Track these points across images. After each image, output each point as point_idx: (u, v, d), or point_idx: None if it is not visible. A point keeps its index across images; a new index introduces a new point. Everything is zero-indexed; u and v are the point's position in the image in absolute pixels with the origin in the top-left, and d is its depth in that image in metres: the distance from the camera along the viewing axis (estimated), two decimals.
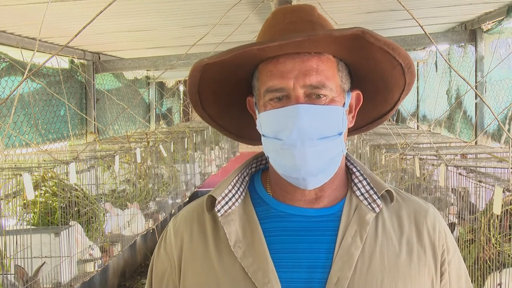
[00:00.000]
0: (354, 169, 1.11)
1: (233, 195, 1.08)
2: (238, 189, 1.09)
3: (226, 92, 1.11)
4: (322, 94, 0.99)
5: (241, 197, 1.09)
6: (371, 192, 1.07)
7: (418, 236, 1.05)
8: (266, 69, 1.02)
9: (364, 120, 1.17)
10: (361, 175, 1.10)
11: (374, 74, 1.07)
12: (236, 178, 1.10)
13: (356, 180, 1.09)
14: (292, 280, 0.99)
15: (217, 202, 1.06)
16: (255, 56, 1.01)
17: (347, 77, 1.06)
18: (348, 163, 1.12)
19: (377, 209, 1.05)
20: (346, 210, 1.05)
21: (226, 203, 1.06)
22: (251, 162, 1.15)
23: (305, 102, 0.98)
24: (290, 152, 0.99)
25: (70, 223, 3.02)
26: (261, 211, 1.07)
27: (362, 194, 1.07)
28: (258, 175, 1.14)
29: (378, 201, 1.06)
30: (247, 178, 1.13)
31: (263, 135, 1.05)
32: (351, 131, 1.16)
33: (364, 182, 1.08)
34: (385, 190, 1.06)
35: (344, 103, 1.03)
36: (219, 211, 1.05)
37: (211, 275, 1.02)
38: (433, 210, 1.11)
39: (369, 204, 1.06)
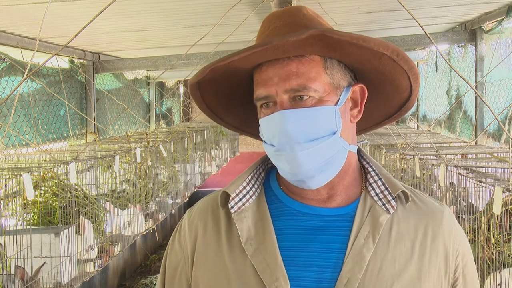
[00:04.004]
0: (370, 169, 1.10)
1: (247, 192, 1.08)
2: (253, 185, 1.09)
3: (230, 90, 1.11)
4: (306, 95, 0.98)
5: (256, 193, 1.09)
6: (386, 192, 1.06)
7: (432, 240, 1.04)
8: (255, 78, 1.04)
9: (379, 117, 1.16)
10: (377, 175, 1.08)
11: (365, 66, 1.04)
12: (252, 174, 1.10)
13: (371, 180, 1.08)
14: (302, 278, 0.99)
15: (230, 198, 1.06)
16: (243, 65, 1.01)
17: (344, 72, 1.03)
18: (364, 162, 1.11)
19: (391, 210, 1.04)
20: (360, 210, 1.04)
21: (240, 199, 1.07)
22: (267, 158, 1.14)
23: (290, 107, 0.98)
24: (283, 158, 1.00)
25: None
26: (274, 208, 1.07)
27: (377, 194, 1.06)
28: (274, 171, 1.13)
29: (393, 202, 1.05)
30: (262, 175, 1.13)
31: (263, 141, 1.05)
32: (369, 128, 1.17)
33: (379, 182, 1.07)
34: (401, 191, 1.05)
35: (338, 100, 1.01)
36: (232, 207, 1.06)
37: (222, 270, 1.03)
38: (448, 212, 1.09)
39: (384, 205, 1.05)
